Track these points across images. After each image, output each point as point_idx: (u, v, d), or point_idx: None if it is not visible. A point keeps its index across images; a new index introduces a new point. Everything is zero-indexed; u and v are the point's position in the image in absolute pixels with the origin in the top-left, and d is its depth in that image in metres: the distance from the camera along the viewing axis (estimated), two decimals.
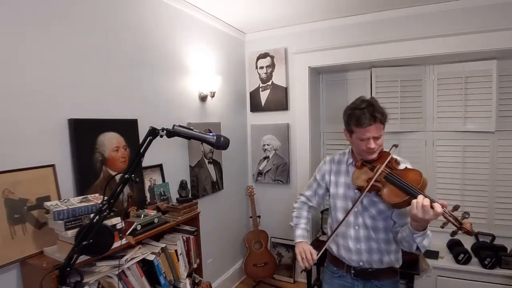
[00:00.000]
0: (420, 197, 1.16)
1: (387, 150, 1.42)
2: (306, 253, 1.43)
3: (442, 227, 1.17)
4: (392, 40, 2.68)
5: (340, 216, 1.50)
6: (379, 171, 1.33)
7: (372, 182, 1.32)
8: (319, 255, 1.41)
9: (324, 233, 3.01)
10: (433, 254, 2.69)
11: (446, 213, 1.14)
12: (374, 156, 1.40)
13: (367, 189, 1.33)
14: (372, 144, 1.35)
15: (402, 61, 2.79)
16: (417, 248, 1.28)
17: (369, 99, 1.39)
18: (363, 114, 1.32)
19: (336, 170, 1.56)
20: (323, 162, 1.64)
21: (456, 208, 1.16)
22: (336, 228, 1.45)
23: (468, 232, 1.11)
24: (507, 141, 2.65)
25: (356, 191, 1.46)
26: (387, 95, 2.94)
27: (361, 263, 1.46)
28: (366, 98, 1.40)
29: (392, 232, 1.43)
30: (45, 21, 1.54)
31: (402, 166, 1.39)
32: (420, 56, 2.62)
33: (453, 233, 1.16)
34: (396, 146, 1.43)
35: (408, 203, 1.21)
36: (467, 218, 1.14)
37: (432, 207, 1.12)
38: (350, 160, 1.52)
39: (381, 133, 1.36)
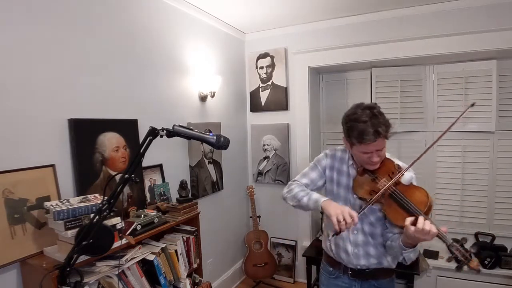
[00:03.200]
0: (421, 220, 1.09)
1: (388, 157, 1.34)
2: (345, 214, 1.19)
3: (448, 261, 1.13)
4: (392, 40, 2.68)
5: None
6: (384, 188, 1.22)
7: (376, 197, 1.24)
8: (360, 214, 1.25)
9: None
10: (433, 254, 2.69)
11: (454, 246, 1.10)
12: (376, 167, 1.32)
13: (370, 203, 1.25)
14: (375, 158, 1.26)
15: (402, 61, 2.79)
16: (403, 259, 1.26)
17: (372, 108, 1.24)
18: (366, 129, 1.18)
19: (338, 168, 1.47)
20: (324, 154, 1.52)
21: (464, 241, 1.12)
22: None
23: (475, 270, 1.09)
24: (507, 141, 2.65)
25: (355, 196, 1.39)
26: (387, 95, 2.94)
27: (358, 267, 1.45)
28: (368, 106, 1.25)
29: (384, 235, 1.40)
30: (45, 21, 1.54)
31: (406, 177, 1.30)
32: (420, 56, 2.62)
33: (458, 268, 1.12)
34: (473, 105, 1.22)
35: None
36: (474, 254, 1.11)
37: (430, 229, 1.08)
38: (351, 162, 1.45)
39: (384, 145, 1.24)
